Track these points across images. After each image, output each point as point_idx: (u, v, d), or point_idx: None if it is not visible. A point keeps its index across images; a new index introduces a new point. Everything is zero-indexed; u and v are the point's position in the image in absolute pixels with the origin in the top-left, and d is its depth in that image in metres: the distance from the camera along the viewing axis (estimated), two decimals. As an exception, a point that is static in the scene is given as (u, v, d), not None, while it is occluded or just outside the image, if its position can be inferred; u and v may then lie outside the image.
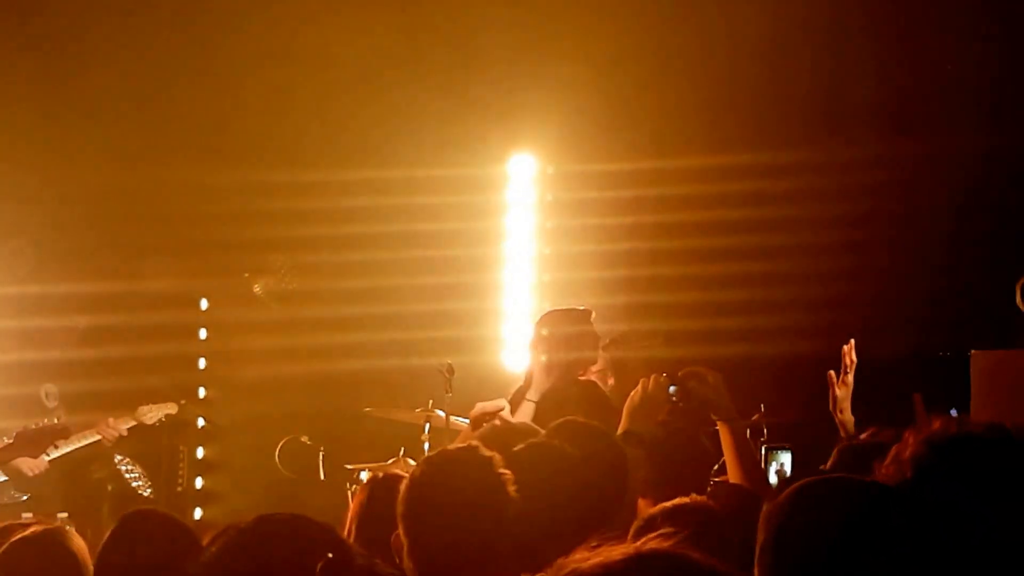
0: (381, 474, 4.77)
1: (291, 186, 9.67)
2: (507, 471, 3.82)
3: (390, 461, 7.90)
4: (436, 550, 3.69)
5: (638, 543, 1.94)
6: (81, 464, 8.55)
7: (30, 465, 8.15)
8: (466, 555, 3.65)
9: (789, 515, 2.62)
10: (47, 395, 8.54)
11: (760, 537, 2.63)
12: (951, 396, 7.63)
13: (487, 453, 3.87)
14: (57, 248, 9.56)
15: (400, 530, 3.77)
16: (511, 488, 3.78)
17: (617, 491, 4.28)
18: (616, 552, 1.91)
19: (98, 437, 8.41)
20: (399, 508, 3.77)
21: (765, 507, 2.66)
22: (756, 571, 2.62)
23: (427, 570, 3.69)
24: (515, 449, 4.17)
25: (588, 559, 1.91)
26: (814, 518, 2.61)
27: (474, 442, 4.12)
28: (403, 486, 3.81)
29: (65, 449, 8.31)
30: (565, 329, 6.95)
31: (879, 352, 7.19)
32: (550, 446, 4.31)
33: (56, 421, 7.87)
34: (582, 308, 7.20)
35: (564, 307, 7.41)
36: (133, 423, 8.49)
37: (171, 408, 8.73)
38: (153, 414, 8.61)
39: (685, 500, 3.93)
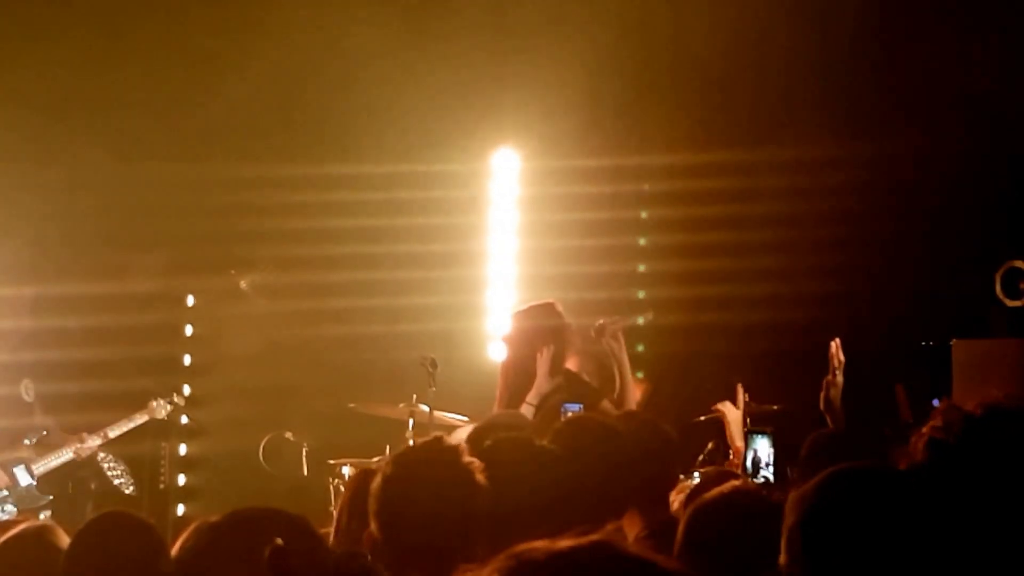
0: (369, 469, 4.77)
1: (276, 181, 9.68)
2: (475, 460, 3.85)
3: (375, 460, 7.87)
4: (409, 545, 3.71)
5: (595, 536, 1.96)
6: (63, 462, 8.53)
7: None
8: (440, 548, 3.66)
9: (820, 499, 2.68)
10: (26, 390, 8.53)
11: (789, 520, 2.69)
12: (933, 385, 7.68)
13: (452, 444, 3.90)
14: (41, 245, 9.53)
15: (373, 527, 3.79)
16: (480, 476, 3.80)
17: (609, 484, 4.29)
18: (563, 542, 1.93)
19: (71, 456, 8.41)
20: (371, 506, 3.80)
21: (794, 491, 2.73)
22: (784, 552, 2.69)
23: (402, 565, 3.70)
24: (486, 444, 4.18)
25: (533, 548, 1.94)
26: (844, 503, 2.67)
27: (439, 434, 4.16)
28: (375, 484, 3.82)
29: (41, 470, 8.32)
30: (544, 323, 6.99)
31: (862, 343, 7.21)
32: (524, 440, 4.32)
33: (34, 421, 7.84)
34: (546, 302, 7.20)
35: (530, 304, 7.35)
36: (100, 441, 8.51)
37: (179, 399, 8.76)
38: (162, 409, 8.63)
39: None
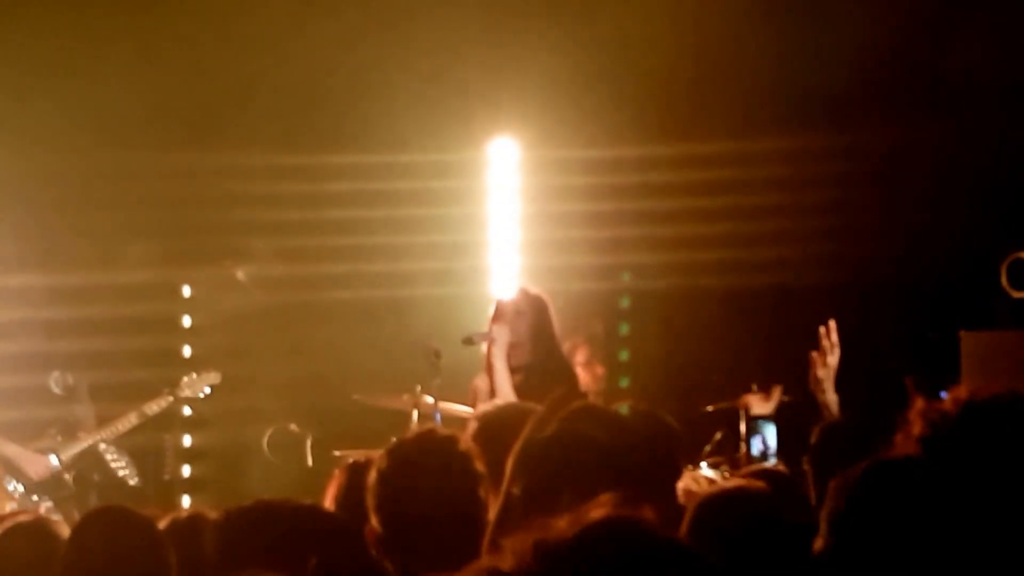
0: (360, 460, 4.74)
1: (273, 171, 9.65)
2: (472, 445, 3.85)
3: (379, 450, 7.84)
4: (415, 538, 3.69)
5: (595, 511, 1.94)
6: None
7: (36, 468, 8.11)
8: (447, 537, 3.64)
9: (863, 487, 2.80)
10: (55, 382, 8.51)
11: (830, 505, 2.80)
12: (941, 377, 7.68)
13: (447, 433, 3.90)
14: (35, 234, 9.49)
15: (374, 522, 3.76)
16: (478, 464, 3.79)
17: (620, 473, 4.27)
18: (560, 524, 1.92)
19: (100, 439, 8.39)
20: (370, 501, 3.78)
21: (837, 479, 2.84)
22: (823, 536, 2.80)
23: (409, 559, 3.68)
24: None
25: (532, 534, 1.92)
26: (886, 492, 2.78)
27: (432, 425, 4.18)
28: (370, 479, 3.80)
29: (75, 449, 8.30)
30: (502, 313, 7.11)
31: (870, 335, 7.21)
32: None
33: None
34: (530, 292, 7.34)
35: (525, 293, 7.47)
36: (128, 426, 8.47)
37: (215, 378, 8.74)
38: (195, 387, 8.60)
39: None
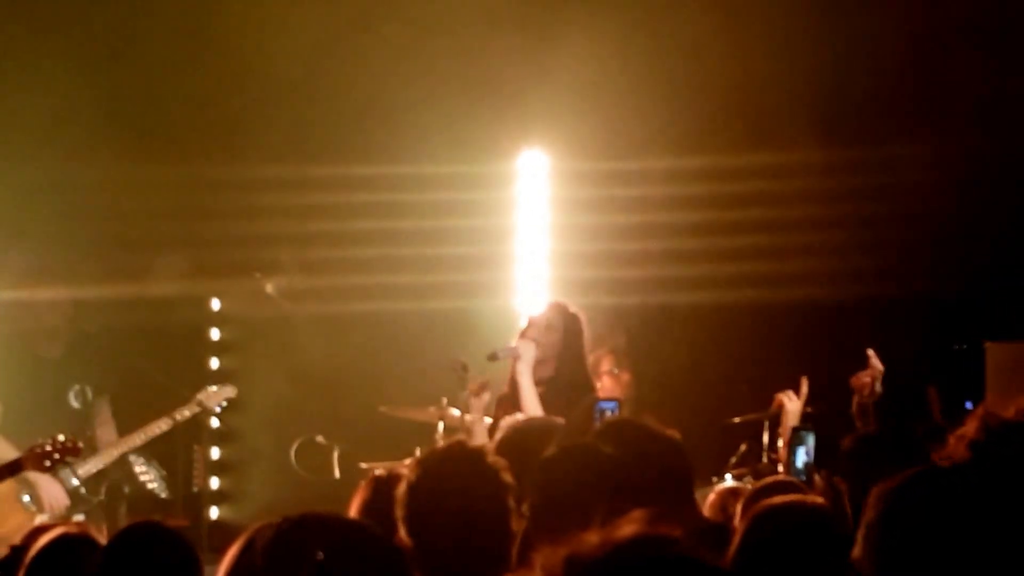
0: (383, 472, 4.77)
1: (301, 183, 9.66)
2: (499, 458, 3.86)
3: (406, 462, 7.88)
4: (445, 550, 3.69)
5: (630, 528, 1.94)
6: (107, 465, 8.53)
7: (50, 500, 8.12)
8: (475, 549, 3.65)
9: (902, 497, 2.78)
10: (75, 396, 8.54)
11: (869, 515, 2.78)
12: (965, 388, 7.67)
13: (476, 445, 3.90)
14: (64, 247, 9.54)
15: (403, 534, 3.78)
16: (506, 476, 3.80)
17: (656, 485, 4.28)
18: (591, 539, 1.89)
19: (117, 455, 8.41)
20: (400, 512, 3.80)
21: (876, 488, 2.82)
22: (862, 544, 2.78)
23: (438, 572, 3.69)
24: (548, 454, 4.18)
25: (561, 551, 1.90)
26: (926, 502, 2.76)
27: (461, 436, 4.18)
28: (400, 490, 3.81)
29: (91, 469, 8.32)
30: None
31: (894, 346, 7.19)
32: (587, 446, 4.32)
33: (63, 438, 7.78)
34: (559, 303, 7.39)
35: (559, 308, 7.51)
36: (149, 437, 8.48)
37: (231, 392, 8.75)
38: (213, 400, 8.61)
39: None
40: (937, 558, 2.67)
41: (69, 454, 7.66)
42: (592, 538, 1.90)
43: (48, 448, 7.56)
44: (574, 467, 3.98)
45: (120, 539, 4.17)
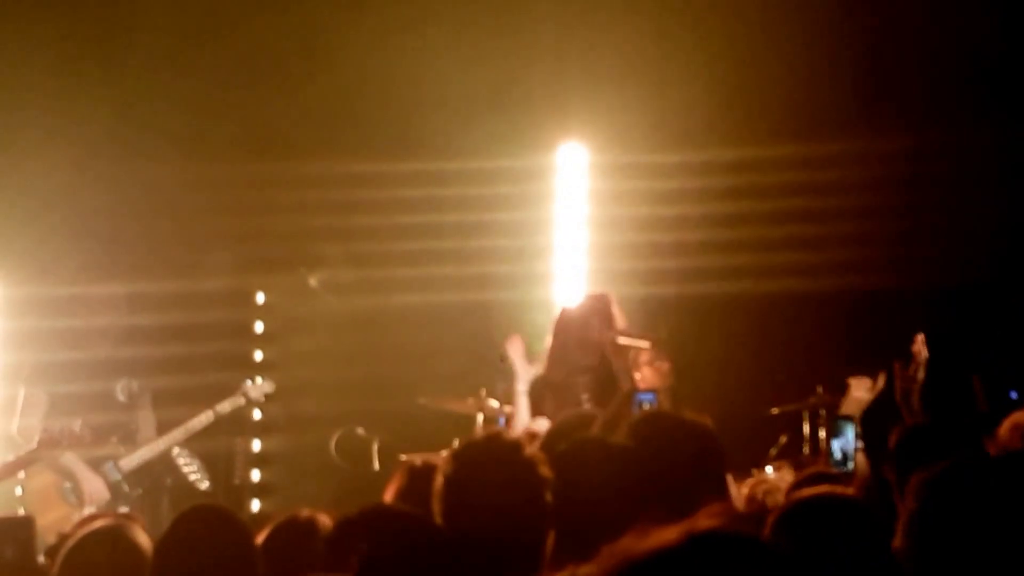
0: (419, 463, 4.78)
1: (345, 178, 9.71)
2: (537, 452, 3.84)
3: (443, 453, 7.89)
4: (479, 541, 3.69)
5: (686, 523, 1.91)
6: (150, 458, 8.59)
7: (93, 495, 8.18)
8: (514, 542, 3.65)
9: (945, 487, 2.76)
10: (121, 390, 8.60)
11: (911, 506, 2.76)
12: (1009, 377, 7.62)
13: (512, 438, 3.89)
14: (116, 243, 9.62)
15: (440, 524, 3.77)
16: (543, 469, 3.79)
17: (691, 478, 4.25)
18: (669, 533, 1.87)
19: (160, 449, 8.46)
20: (436, 505, 3.79)
21: (916, 479, 2.80)
22: (902, 536, 2.76)
23: (476, 562, 3.70)
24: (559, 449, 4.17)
25: (639, 543, 1.88)
26: (969, 491, 2.74)
27: (497, 429, 4.16)
28: (437, 483, 3.82)
29: (135, 462, 8.38)
30: (570, 317, 7.10)
31: (938, 335, 7.14)
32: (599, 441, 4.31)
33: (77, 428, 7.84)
34: (599, 293, 7.33)
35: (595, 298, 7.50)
36: (189, 432, 8.53)
37: (269, 387, 8.80)
38: (257, 392, 8.66)
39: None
40: (976, 548, 2.64)
41: (76, 444, 7.73)
42: (639, 539, 1.88)
43: (56, 435, 7.64)
44: (579, 464, 3.96)
45: (181, 521, 4.21)
